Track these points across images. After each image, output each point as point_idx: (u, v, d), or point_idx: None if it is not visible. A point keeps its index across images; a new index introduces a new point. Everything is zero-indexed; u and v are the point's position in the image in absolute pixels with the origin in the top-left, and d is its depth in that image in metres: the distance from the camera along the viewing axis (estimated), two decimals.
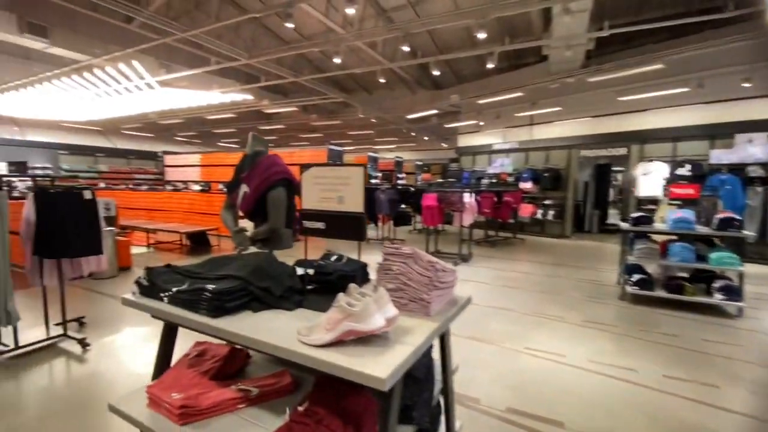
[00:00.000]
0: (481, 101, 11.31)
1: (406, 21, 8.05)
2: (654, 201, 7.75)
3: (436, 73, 9.16)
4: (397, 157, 15.14)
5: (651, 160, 8.63)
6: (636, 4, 7.86)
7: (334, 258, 1.80)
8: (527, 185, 10.59)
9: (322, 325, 1.07)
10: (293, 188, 2.46)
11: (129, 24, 7.57)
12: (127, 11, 6.89)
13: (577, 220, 11.22)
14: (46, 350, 3.15)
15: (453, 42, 10.15)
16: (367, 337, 1.07)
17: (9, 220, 2.81)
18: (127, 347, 3.31)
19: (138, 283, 1.48)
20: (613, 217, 12.38)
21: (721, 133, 8.00)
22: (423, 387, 1.39)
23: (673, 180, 7.51)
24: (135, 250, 6.97)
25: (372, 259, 1.65)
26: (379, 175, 12.49)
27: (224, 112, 14.26)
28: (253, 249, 2.43)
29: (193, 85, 10.27)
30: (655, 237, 4.84)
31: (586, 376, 2.89)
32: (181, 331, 1.46)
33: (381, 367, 0.92)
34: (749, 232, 4.49)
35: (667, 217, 4.69)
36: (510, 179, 11.07)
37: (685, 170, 7.95)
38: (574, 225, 10.87)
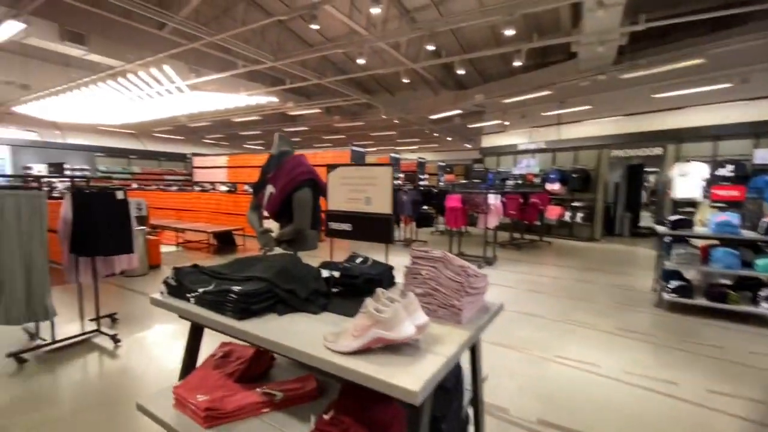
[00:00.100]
0: (506, 101, 11.07)
1: (430, 20, 7.97)
2: (692, 203, 7.35)
3: (460, 72, 9.01)
4: (420, 158, 15.03)
5: (689, 161, 8.17)
6: None
7: (359, 260, 1.77)
8: (554, 186, 10.27)
9: (350, 331, 1.03)
10: (319, 189, 2.44)
11: (161, 30, 7.83)
12: (159, 17, 7.13)
13: (607, 222, 10.79)
14: (81, 345, 3.27)
15: (477, 41, 9.98)
16: (395, 345, 1.02)
17: (48, 219, 2.93)
18: (157, 344, 3.39)
19: (166, 283, 1.49)
20: (646, 219, 11.86)
21: (767, 131, 7.52)
22: (452, 397, 1.33)
23: (714, 181, 7.09)
24: (164, 248, 7.20)
25: (396, 261, 1.60)
26: (402, 176, 12.44)
27: (250, 114, 14.56)
28: (278, 250, 2.42)
29: (221, 88, 10.53)
30: (694, 241, 4.57)
31: (622, 388, 2.74)
32: (207, 330, 1.46)
33: (412, 378, 0.87)
34: None
35: (708, 220, 4.42)
36: (536, 180, 10.78)
37: (726, 171, 7.50)
38: (604, 228, 10.46)
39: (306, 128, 18.28)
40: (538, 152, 11.37)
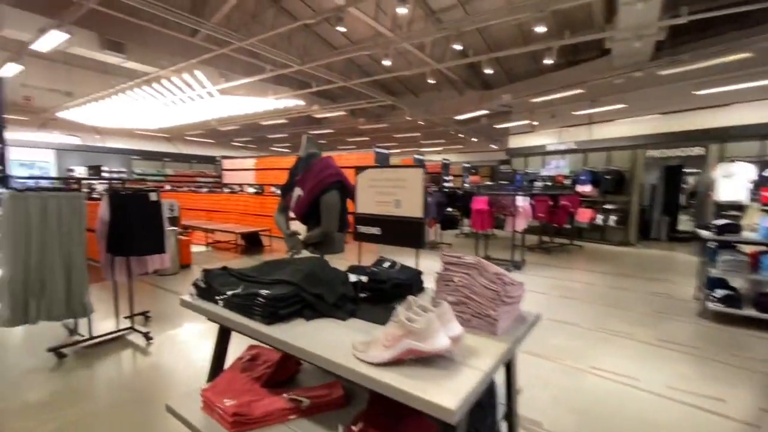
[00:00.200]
0: (535, 100, 10.77)
1: (456, 20, 7.86)
2: (737, 206, 6.88)
3: (488, 71, 8.83)
4: (444, 159, 14.85)
5: (733, 161, 7.68)
6: None
7: (387, 264, 1.72)
8: (586, 188, 9.88)
9: (380, 341, 0.98)
10: (347, 191, 2.42)
11: (193, 37, 8.10)
12: (192, 24, 7.37)
13: (643, 226, 10.29)
14: (116, 341, 3.38)
15: (505, 40, 9.78)
16: (428, 357, 0.96)
17: (87, 219, 3.05)
18: (187, 342, 3.46)
19: (195, 285, 1.50)
20: (685, 223, 11.23)
21: None
22: (486, 412, 1.26)
23: (762, 183, 6.62)
24: (195, 248, 7.40)
25: (422, 264, 1.54)
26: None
27: (277, 117, 14.85)
28: (305, 253, 2.41)
29: (249, 92, 10.80)
30: (742, 247, 4.26)
31: (665, 404, 2.56)
32: (235, 332, 1.45)
33: (448, 395, 0.81)
34: None
35: (758, 224, 4.11)
36: (566, 182, 10.42)
37: None
38: (640, 232, 9.97)
39: (331, 130, 18.48)
40: (568, 153, 11.00)
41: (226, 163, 13.58)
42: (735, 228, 4.15)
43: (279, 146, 24.39)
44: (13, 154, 12.15)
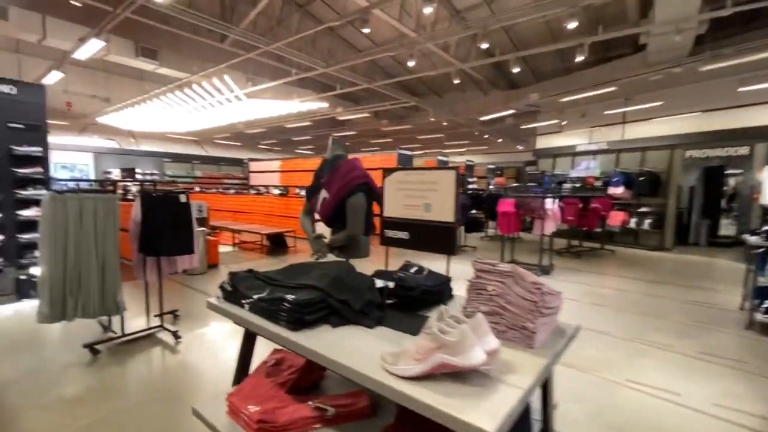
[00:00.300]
0: (564, 99, 10.44)
1: (481, 18, 7.71)
2: None
3: (516, 70, 8.62)
4: (468, 160, 14.63)
5: None
6: None
7: (414, 270, 1.67)
8: (618, 190, 9.47)
9: (411, 353, 0.93)
10: (373, 194, 2.37)
11: (222, 42, 8.32)
12: (221, 30, 7.57)
13: (680, 230, 9.77)
14: (146, 339, 3.47)
15: (532, 38, 9.52)
16: (462, 372, 0.90)
17: (120, 219, 3.15)
18: (214, 342, 3.52)
19: (222, 288, 1.49)
20: (726, 227, 10.59)
21: None
22: (520, 430, 1.18)
23: None
24: (222, 248, 7.57)
25: (446, 268, 1.48)
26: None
27: (302, 120, 15.06)
28: (331, 256, 2.39)
29: (275, 95, 10.99)
30: None
31: (710, 422, 2.38)
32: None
33: (485, 416, 0.75)
34: None
35: None
36: (597, 183, 10.03)
37: None
38: (677, 236, 9.47)
39: (354, 132, 18.58)
40: (599, 153, 10.59)
41: (253, 165, 13.87)
42: None
43: (303, 148, 24.76)
44: (55, 157, 12.86)
